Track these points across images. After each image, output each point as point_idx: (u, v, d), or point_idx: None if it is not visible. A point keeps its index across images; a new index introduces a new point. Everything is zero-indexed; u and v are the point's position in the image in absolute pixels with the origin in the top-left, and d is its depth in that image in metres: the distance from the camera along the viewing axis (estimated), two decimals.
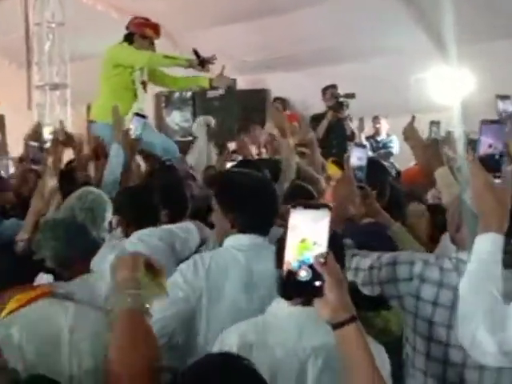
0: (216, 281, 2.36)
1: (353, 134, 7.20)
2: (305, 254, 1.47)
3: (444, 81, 8.22)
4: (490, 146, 1.80)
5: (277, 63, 8.91)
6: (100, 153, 4.42)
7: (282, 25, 7.86)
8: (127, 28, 5.35)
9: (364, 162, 2.71)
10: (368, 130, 8.47)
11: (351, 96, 6.93)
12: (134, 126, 4.18)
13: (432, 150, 3.22)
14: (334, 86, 6.89)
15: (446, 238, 2.94)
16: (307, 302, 1.56)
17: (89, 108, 9.70)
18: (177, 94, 9.51)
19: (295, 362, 1.91)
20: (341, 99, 6.86)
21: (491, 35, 7.41)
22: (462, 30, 6.54)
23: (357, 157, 2.72)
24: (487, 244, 1.73)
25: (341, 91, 7.01)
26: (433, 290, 2.06)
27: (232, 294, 2.35)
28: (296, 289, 1.48)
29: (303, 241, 1.47)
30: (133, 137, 4.14)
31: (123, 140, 4.08)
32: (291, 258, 1.47)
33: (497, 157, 1.78)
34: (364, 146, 2.91)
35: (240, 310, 2.32)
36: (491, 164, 1.77)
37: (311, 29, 7.82)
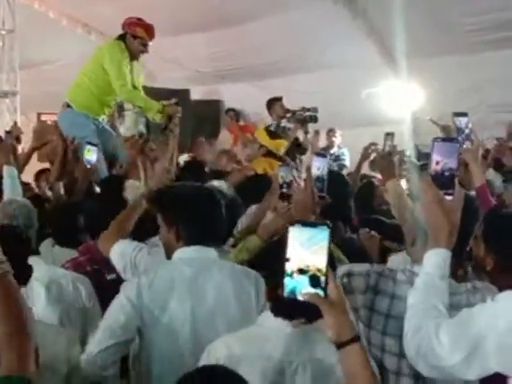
0: (159, 298, 2.32)
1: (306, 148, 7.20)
2: (303, 275, 1.46)
3: (394, 94, 8.38)
4: (439, 163, 1.81)
5: (230, 74, 8.94)
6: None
7: (235, 36, 7.87)
8: (123, 28, 5.35)
9: (324, 172, 2.71)
10: (321, 142, 8.54)
11: (314, 110, 6.89)
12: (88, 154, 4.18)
13: (385, 161, 3.27)
14: (279, 99, 6.86)
15: (391, 260, 3.00)
16: (308, 322, 1.56)
17: (39, 116, 9.66)
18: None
19: (282, 376, 1.90)
20: (307, 113, 6.80)
21: (440, 50, 7.57)
22: (412, 44, 6.69)
23: (317, 167, 2.72)
24: (435, 259, 1.76)
25: (294, 103, 7.01)
26: (386, 301, 2.08)
27: (177, 309, 2.32)
28: (296, 309, 1.50)
29: (303, 261, 1.46)
30: (88, 166, 4.13)
31: (79, 169, 4.08)
32: (290, 278, 1.47)
33: (447, 174, 1.80)
34: (324, 156, 2.89)
35: (186, 324, 2.30)
36: (442, 181, 1.79)
37: (265, 40, 7.87)
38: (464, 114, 3.60)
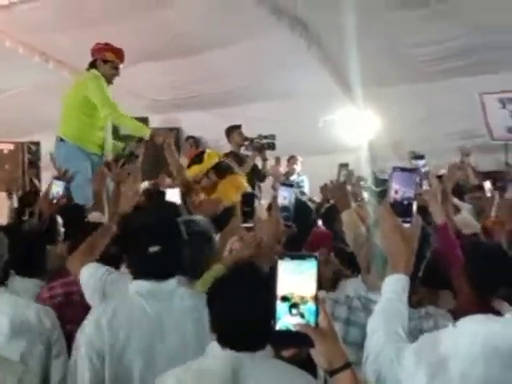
0: (120, 334, 2.28)
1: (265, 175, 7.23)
2: (295, 306, 1.49)
3: (351, 122, 8.50)
4: (398, 192, 1.84)
5: (189, 102, 8.97)
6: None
7: (193, 64, 7.91)
8: (92, 55, 5.36)
9: (291, 202, 2.74)
10: (282, 169, 8.60)
11: (272, 137, 6.94)
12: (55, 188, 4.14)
13: (340, 192, 3.34)
14: (238, 127, 6.91)
15: (343, 284, 3.03)
16: (299, 351, 1.58)
17: None
18: None
19: None
20: (264, 141, 6.86)
21: (395, 79, 7.72)
22: (367, 73, 6.83)
23: (283, 196, 2.75)
24: (395, 285, 1.77)
25: (253, 131, 7.07)
26: (341, 328, 2.10)
27: (140, 344, 2.28)
28: (286, 339, 1.50)
29: (292, 292, 1.49)
30: (54, 200, 4.09)
31: (42, 203, 4.04)
32: (281, 309, 1.49)
33: (406, 203, 1.83)
34: (291, 186, 2.91)
35: (151, 359, 2.27)
36: (401, 209, 1.82)
37: (223, 69, 7.93)
38: (421, 157, 3.70)
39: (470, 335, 1.59)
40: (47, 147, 8.71)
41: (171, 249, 2.38)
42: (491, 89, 7.75)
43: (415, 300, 2.46)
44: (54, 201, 4.07)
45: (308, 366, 2.07)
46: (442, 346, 1.65)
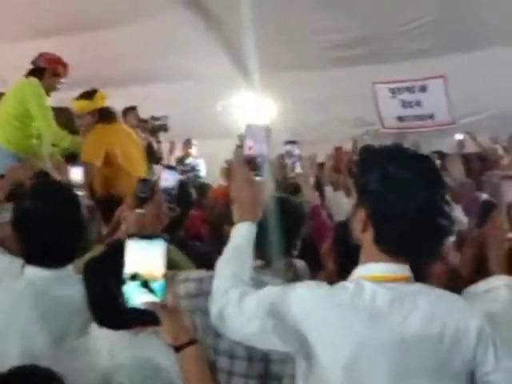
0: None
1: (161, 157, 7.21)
2: (144, 283, 1.55)
3: (249, 107, 8.58)
4: (252, 148, 1.92)
5: (85, 82, 8.75)
6: None
7: (90, 43, 7.74)
8: (34, 62, 5.11)
9: (173, 184, 2.77)
10: (178, 152, 8.58)
11: (164, 119, 6.91)
12: None
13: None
14: (134, 108, 6.84)
15: None
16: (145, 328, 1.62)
17: None
18: None
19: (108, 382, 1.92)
20: (157, 122, 6.81)
21: (292, 65, 7.85)
22: (265, 58, 6.90)
23: (166, 179, 2.78)
24: (243, 231, 1.84)
25: (149, 113, 7.02)
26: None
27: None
28: (135, 317, 1.56)
29: (140, 271, 1.55)
30: None
31: None
32: (130, 287, 1.54)
33: (259, 158, 1.91)
34: (174, 168, 2.97)
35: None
36: (253, 164, 1.90)
37: (120, 49, 7.79)
38: (294, 142, 3.87)
39: (298, 297, 1.69)
40: None
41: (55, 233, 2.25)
42: (384, 78, 7.99)
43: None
44: None
45: None
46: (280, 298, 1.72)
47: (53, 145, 5.28)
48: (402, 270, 1.74)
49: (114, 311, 1.92)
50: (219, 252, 1.87)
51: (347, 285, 1.71)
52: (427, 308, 1.69)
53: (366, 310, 1.65)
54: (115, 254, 2.04)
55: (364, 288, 1.68)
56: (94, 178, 4.82)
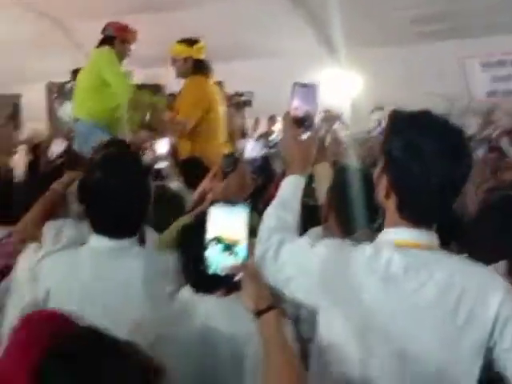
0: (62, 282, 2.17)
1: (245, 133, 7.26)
2: (226, 248, 1.59)
3: (334, 83, 8.50)
4: (299, 108, 1.90)
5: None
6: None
7: (179, 20, 7.86)
8: (104, 32, 5.29)
9: (257, 155, 2.80)
10: (262, 129, 8.61)
11: (249, 95, 6.96)
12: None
13: (319, 144, 3.40)
14: (219, 83, 6.88)
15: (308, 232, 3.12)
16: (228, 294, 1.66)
17: None
18: (69, 85, 9.32)
19: (207, 346, 1.94)
20: (243, 98, 6.87)
21: (379, 41, 7.72)
22: (351, 34, 6.82)
23: (251, 149, 2.81)
24: (290, 183, 1.89)
25: (233, 89, 7.07)
26: None
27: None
28: (216, 282, 1.64)
29: (222, 235, 1.59)
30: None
31: None
32: (211, 252, 1.58)
33: (306, 117, 1.90)
34: (258, 141, 2.99)
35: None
36: (301, 122, 1.90)
37: (208, 25, 7.86)
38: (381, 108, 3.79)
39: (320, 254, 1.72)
40: (27, 100, 8.70)
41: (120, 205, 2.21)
42: (473, 53, 7.77)
43: None
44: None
45: None
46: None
47: (132, 110, 5.39)
48: (426, 236, 1.69)
49: (208, 275, 1.95)
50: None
51: (366, 247, 1.70)
52: (444, 277, 1.63)
53: (380, 274, 1.64)
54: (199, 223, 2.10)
55: (381, 252, 1.66)
56: (182, 139, 4.86)
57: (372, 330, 1.65)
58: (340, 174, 2.49)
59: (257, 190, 3.18)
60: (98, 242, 2.24)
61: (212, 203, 1.63)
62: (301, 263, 1.74)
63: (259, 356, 1.80)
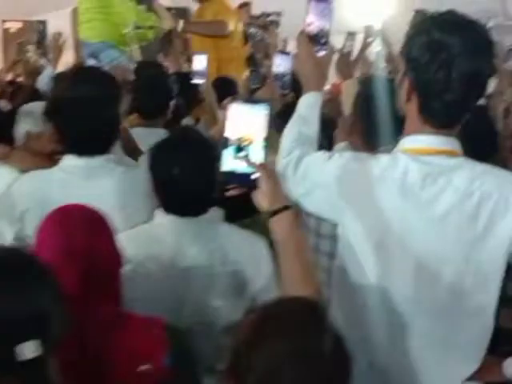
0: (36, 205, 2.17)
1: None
2: (242, 147, 1.56)
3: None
4: (313, 23, 1.91)
5: None
6: None
7: None
8: None
9: (286, 70, 2.74)
10: (291, 49, 8.43)
11: (277, 15, 6.83)
12: None
13: (343, 61, 3.33)
14: (247, 4, 6.76)
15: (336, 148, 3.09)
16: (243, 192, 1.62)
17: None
18: None
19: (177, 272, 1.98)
20: (270, 18, 6.74)
21: None
22: None
23: (279, 64, 2.75)
24: (307, 99, 1.91)
25: (260, 9, 6.91)
26: None
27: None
28: (234, 180, 1.59)
29: (241, 133, 1.57)
30: None
31: None
32: (229, 151, 1.56)
33: (321, 33, 1.91)
34: (287, 54, 2.92)
35: None
36: (316, 39, 1.91)
37: None
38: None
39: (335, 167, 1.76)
40: (53, 27, 8.60)
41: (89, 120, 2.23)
42: None
43: None
44: None
45: None
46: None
47: (138, 28, 5.32)
48: (447, 142, 1.67)
49: (179, 197, 1.93)
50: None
51: (382, 157, 1.70)
52: (464, 184, 1.62)
53: (396, 184, 1.62)
54: (178, 141, 2.06)
55: (398, 161, 1.65)
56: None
57: (390, 244, 1.64)
58: (366, 84, 2.43)
59: (287, 106, 3.14)
60: (69, 161, 2.22)
61: (233, 99, 1.59)
62: (319, 175, 1.76)
63: (231, 275, 1.83)
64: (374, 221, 1.65)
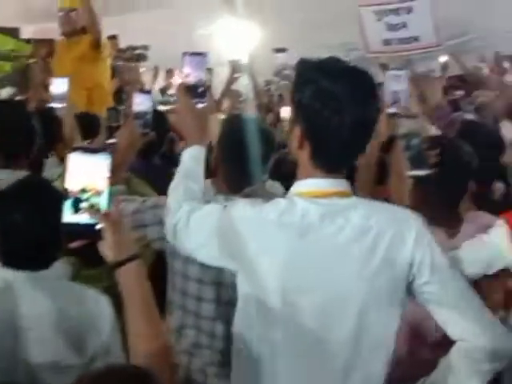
0: None
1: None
2: (83, 199, 1.50)
3: (230, 34, 8.37)
4: (190, 75, 1.91)
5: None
6: None
7: None
8: None
9: (147, 108, 2.69)
10: (161, 81, 8.43)
11: (144, 48, 6.81)
12: None
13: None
14: (114, 37, 6.69)
15: None
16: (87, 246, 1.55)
17: None
18: None
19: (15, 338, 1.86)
20: (136, 51, 6.70)
21: None
22: None
23: (139, 103, 2.70)
24: (191, 154, 1.89)
25: (128, 43, 6.87)
26: None
27: None
28: (77, 231, 1.51)
29: (83, 184, 1.50)
30: None
31: None
32: (70, 202, 1.50)
33: (199, 85, 1.92)
34: (148, 92, 2.88)
35: None
36: (194, 92, 1.92)
37: None
38: (283, 50, 3.74)
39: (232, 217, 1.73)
40: None
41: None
42: (369, 1, 7.80)
43: None
44: None
45: None
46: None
47: None
48: (338, 184, 1.72)
49: (20, 247, 1.86)
50: None
51: (280, 201, 1.70)
52: (360, 221, 1.67)
53: (295, 227, 1.64)
54: (20, 188, 1.98)
55: (296, 205, 1.67)
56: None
57: (294, 280, 1.65)
58: (227, 124, 2.42)
59: (150, 146, 3.11)
60: None
61: (71, 149, 1.53)
62: (210, 228, 1.74)
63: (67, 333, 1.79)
64: (271, 267, 1.63)
